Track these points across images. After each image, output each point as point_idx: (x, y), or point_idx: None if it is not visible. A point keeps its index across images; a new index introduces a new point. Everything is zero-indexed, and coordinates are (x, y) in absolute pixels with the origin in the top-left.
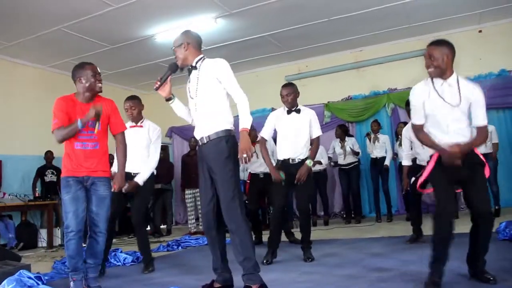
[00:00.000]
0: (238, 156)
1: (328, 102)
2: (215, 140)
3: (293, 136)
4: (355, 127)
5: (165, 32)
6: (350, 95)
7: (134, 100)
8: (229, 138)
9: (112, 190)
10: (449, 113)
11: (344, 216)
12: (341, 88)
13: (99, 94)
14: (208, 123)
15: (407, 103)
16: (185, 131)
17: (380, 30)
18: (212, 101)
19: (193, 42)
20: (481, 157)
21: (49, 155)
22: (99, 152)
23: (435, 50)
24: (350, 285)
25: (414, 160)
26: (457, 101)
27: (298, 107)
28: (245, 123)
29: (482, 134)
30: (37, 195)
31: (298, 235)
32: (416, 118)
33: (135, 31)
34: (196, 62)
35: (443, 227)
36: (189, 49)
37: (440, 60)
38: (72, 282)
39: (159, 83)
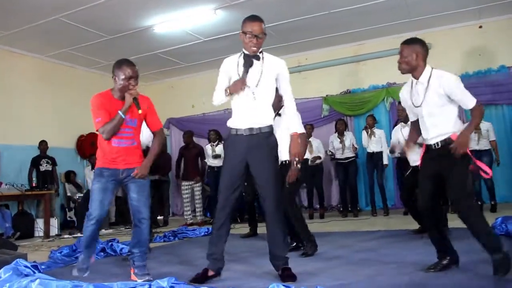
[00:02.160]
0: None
1: (327, 95)
2: (267, 134)
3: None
4: (353, 121)
5: (164, 23)
6: (349, 88)
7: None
8: (273, 133)
9: (133, 175)
10: (421, 110)
11: (341, 209)
12: (340, 82)
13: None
14: (261, 115)
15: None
16: (183, 123)
17: (380, 24)
18: (269, 96)
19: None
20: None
21: (43, 145)
22: (135, 148)
23: (405, 48)
24: (347, 278)
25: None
26: (420, 101)
27: (280, 111)
28: (298, 128)
29: (475, 114)
30: (33, 185)
31: None
32: (409, 116)
33: (133, 22)
34: (259, 53)
35: (426, 221)
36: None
37: (409, 57)
38: (81, 255)
39: (245, 84)
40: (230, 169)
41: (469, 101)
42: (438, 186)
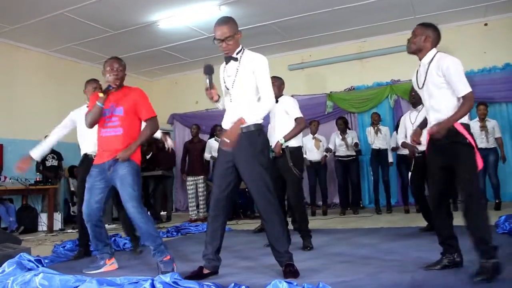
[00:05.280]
0: (221, 138)
1: (331, 92)
2: (248, 133)
3: (272, 127)
4: (357, 117)
5: (168, 19)
6: (353, 85)
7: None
8: (261, 132)
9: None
10: (423, 92)
11: (340, 207)
12: (344, 79)
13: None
14: (240, 115)
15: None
16: (187, 118)
17: (385, 21)
18: (247, 94)
19: (239, 32)
20: (467, 137)
21: None
22: (122, 137)
23: (418, 29)
24: (348, 275)
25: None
26: (421, 83)
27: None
28: (250, 117)
29: (464, 103)
30: (37, 179)
31: None
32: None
33: (138, 17)
34: (237, 54)
35: (435, 214)
36: (238, 40)
37: (417, 38)
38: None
39: (212, 91)
40: (219, 169)
41: (462, 88)
42: (446, 178)
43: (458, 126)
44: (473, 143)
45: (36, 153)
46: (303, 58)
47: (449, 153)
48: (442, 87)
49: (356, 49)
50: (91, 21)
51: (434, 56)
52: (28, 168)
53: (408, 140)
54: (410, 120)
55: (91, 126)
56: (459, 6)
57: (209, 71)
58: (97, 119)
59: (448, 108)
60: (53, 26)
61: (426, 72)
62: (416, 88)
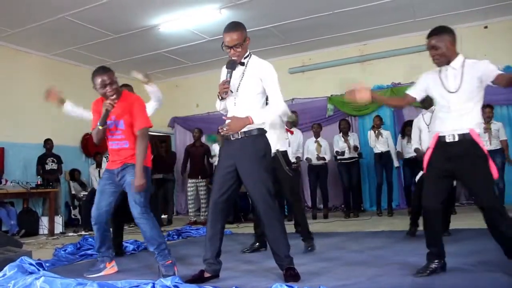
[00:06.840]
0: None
1: (332, 95)
2: (252, 137)
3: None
4: (358, 121)
5: (169, 22)
6: None
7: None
8: (264, 136)
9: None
10: (451, 97)
11: (345, 210)
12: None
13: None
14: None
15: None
16: (187, 122)
17: (385, 24)
18: (252, 99)
19: (247, 38)
20: (483, 149)
21: (48, 144)
22: (130, 149)
23: (436, 40)
24: (349, 278)
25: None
26: (456, 86)
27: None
28: (257, 117)
29: (504, 75)
30: (38, 182)
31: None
32: (411, 89)
33: (139, 21)
34: (244, 58)
35: (428, 221)
36: (246, 46)
37: (444, 48)
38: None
39: (227, 86)
40: (219, 173)
41: (497, 72)
42: (448, 187)
43: (474, 134)
44: (486, 152)
45: (69, 105)
46: (303, 61)
47: (463, 162)
48: (475, 91)
49: (357, 52)
50: (92, 24)
51: (464, 60)
52: (54, 98)
53: (423, 144)
54: (424, 121)
55: (98, 143)
56: (459, 9)
57: (232, 66)
58: (102, 138)
59: (473, 115)
60: (54, 30)
61: (462, 76)
62: (440, 92)
